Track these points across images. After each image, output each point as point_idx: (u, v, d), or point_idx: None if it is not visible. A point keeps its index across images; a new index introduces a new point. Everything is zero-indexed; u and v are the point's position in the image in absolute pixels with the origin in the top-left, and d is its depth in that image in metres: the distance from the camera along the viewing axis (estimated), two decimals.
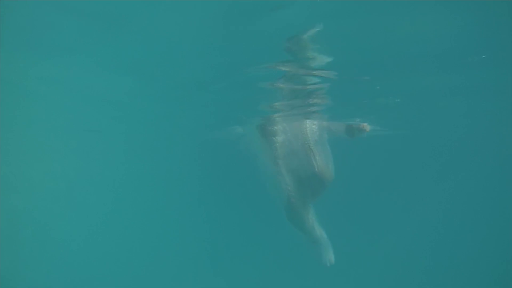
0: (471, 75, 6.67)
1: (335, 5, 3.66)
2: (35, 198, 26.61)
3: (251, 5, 3.63)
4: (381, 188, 20.29)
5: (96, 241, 24.96)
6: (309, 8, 3.72)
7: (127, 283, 20.18)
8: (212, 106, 9.26)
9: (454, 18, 4.13)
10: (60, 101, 9.08)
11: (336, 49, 4.87)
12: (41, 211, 26.54)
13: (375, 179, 19.54)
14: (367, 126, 7.52)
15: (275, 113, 8.62)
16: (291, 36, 4.40)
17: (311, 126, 8.15)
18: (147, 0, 3.64)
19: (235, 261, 20.95)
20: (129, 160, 22.22)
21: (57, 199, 26.65)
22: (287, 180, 7.99)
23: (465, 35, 4.67)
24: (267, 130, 8.44)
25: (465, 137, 15.01)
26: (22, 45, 5.17)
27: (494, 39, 4.83)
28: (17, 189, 25.40)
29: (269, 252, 18.40)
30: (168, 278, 21.22)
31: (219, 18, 4.01)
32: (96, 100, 9.03)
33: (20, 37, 4.87)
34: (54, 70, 6.38)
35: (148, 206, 26.43)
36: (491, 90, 7.98)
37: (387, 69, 6.03)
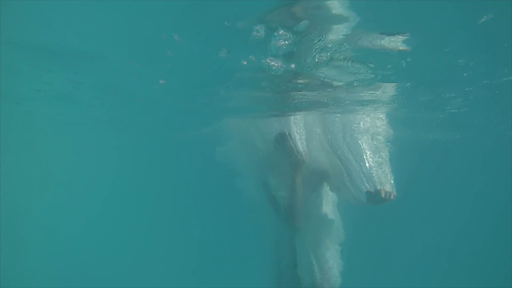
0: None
1: None
2: (34, 197, 26.69)
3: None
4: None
5: (93, 239, 25.04)
6: None
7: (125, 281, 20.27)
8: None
9: None
10: (59, 97, 9.02)
11: None
12: (39, 210, 26.63)
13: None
14: (393, 192, 5.72)
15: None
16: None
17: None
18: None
19: (227, 259, 21.03)
20: (124, 159, 22.34)
21: (54, 197, 26.74)
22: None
23: None
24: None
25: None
26: (22, 41, 5.14)
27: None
28: (17, 188, 25.49)
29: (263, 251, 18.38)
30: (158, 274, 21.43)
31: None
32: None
33: (20, 34, 4.84)
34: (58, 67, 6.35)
35: (140, 204, 26.66)
36: None
37: None
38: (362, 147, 6.33)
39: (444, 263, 21.78)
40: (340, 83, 6.24)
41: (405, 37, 4.40)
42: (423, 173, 19.94)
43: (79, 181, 26.22)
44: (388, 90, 6.86)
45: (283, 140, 6.73)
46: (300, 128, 7.20)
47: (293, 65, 5.32)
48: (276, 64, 5.21)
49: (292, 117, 7.53)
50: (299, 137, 6.78)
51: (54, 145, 18.55)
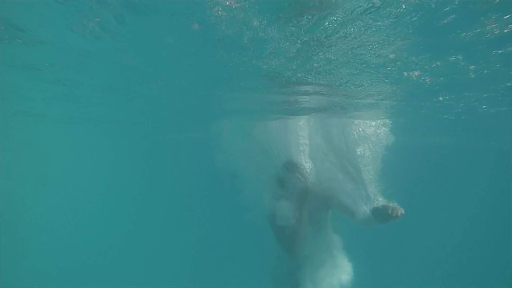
0: None
1: None
2: (34, 196, 26.67)
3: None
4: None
5: (91, 238, 25.05)
6: None
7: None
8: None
9: None
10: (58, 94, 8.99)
11: None
12: (38, 209, 26.62)
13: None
14: (400, 209, 5.27)
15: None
16: None
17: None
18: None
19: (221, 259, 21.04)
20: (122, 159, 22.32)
21: (53, 197, 26.72)
22: None
23: None
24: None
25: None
26: (22, 41, 5.11)
27: None
28: (17, 187, 25.49)
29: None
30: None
31: None
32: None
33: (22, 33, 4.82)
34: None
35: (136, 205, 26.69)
36: None
37: None
38: (363, 157, 6.14)
39: (443, 268, 21.65)
40: (340, 87, 6.21)
41: (407, 41, 4.35)
42: (422, 177, 19.90)
43: (77, 181, 26.24)
44: (388, 94, 6.82)
45: (292, 168, 6.51)
46: (304, 138, 7.03)
47: (293, 67, 5.29)
48: (275, 64, 5.18)
49: (296, 144, 7.13)
50: (303, 150, 6.60)
51: (53, 145, 18.54)
